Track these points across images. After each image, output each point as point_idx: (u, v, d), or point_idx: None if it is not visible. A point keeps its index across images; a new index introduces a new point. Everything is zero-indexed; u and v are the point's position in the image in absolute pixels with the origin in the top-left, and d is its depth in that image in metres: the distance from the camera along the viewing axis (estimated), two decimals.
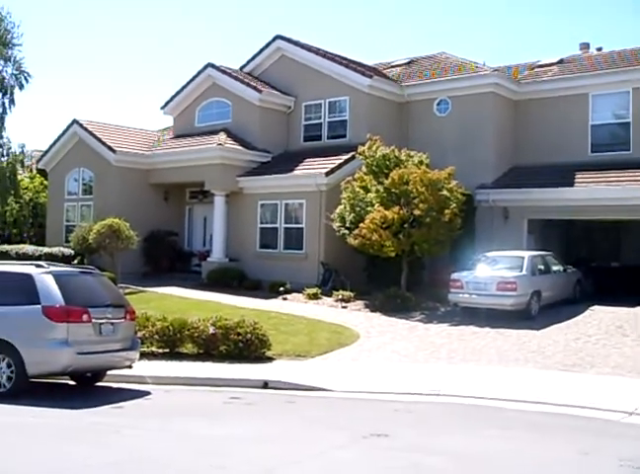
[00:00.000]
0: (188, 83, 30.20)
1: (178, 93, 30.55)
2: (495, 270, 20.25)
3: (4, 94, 29.22)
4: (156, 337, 15.81)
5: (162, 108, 31.25)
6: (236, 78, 28.98)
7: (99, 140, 29.59)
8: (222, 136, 27.70)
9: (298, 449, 8.36)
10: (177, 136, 30.71)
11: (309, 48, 28.78)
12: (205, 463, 7.64)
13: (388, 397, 11.84)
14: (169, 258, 29.25)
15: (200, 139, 28.62)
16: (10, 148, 29.79)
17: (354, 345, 16.84)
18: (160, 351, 15.90)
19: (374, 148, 22.82)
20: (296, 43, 29.13)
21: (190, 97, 30.36)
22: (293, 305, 21.91)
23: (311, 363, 15.14)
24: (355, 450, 8.28)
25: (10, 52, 29.11)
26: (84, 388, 13.23)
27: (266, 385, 13.04)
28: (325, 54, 28.39)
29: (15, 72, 29.37)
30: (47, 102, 79.54)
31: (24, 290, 12.11)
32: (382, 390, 12.33)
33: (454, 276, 20.25)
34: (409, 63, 30.76)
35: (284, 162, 27.35)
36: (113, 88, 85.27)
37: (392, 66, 30.94)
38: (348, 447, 8.38)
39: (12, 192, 30.21)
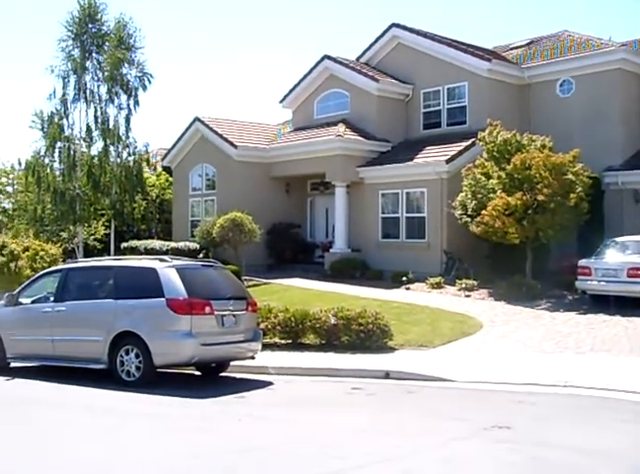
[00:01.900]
0: (305, 76, 30.44)
1: (296, 86, 30.84)
2: (626, 255, 19.40)
3: (129, 96, 30.26)
4: (279, 328, 16.02)
5: (281, 101, 31.63)
6: (353, 68, 28.98)
7: (220, 136, 30.25)
8: (341, 127, 27.75)
9: (418, 440, 8.26)
10: (296, 129, 31.01)
11: (425, 35, 28.42)
12: (325, 453, 7.65)
13: (512, 388, 11.52)
14: (292, 249, 29.58)
15: (320, 131, 28.78)
16: (136, 147, 30.85)
17: (477, 334, 16.53)
18: (283, 341, 16.10)
19: (495, 133, 22.30)
20: (412, 30, 28.82)
21: (307, 89, 30.59)
22: (416, 295, 21.74)
23: (434, 353, 14.96)
24: (476, 442, 8.09)
25: (133, 56, 30.11)
26: (209, 378, 13.55)
27: (387, 375, 12.96)
28: (442, 40, 27.96)
29: (138, 74, 30.36)
30: (170, 100, 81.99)
31: (149, 284, 12.51)
32: (506, 381, 12.02)
33: (582, 262, 19.54)
34: (529, 44, 29.89)
35: (404, 151, 27.16)
36: (232, 83, 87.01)
37: (512, 48, 30.17)
38: (469, 439, 8.20)
39: (139, 189, 31.27)
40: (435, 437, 8.34)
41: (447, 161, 24.34)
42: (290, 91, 31.11)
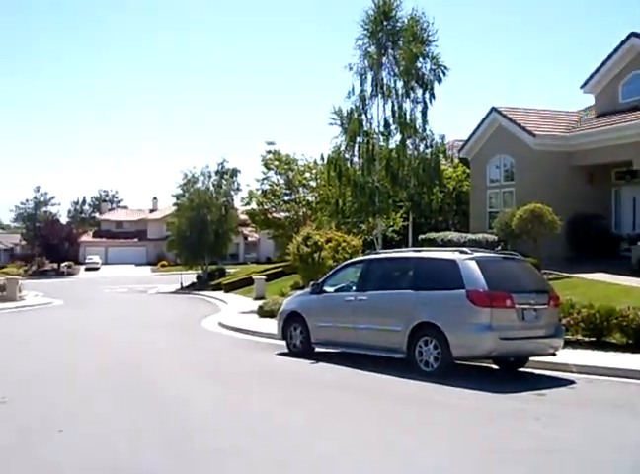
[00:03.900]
0: (609, 57, 28.67)
1: (598, 69, 29.18)
2: None
3: (424, 89, 30.50)
4: (581, 325, 15.23)
5: (582, 86, 30.15)
6: None
7: (518, 125, 29.51)
8: None
9: None
10: (599, 115, 29.37)
11: None
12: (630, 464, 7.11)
13: None
14: (594, 242, 28.05)
15: (626, 116, 27.00)
16: (432, 140, 31.04)
17: None
18: (585, 339, 15.27)
19: None
20: None
21: (611, 72, 28.81)
22: None
23: None
24: None
25: (427, 49, 30.32)
26: (506, 373, 13.24)
27: None
28: None
29: (433, 67, 30.52)
30: (466, 91, 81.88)
31: (449, 275, 12.53)
32: None
33: None
34: None
35: None
36: (529, 70, 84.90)
37: None
38: None
39: (436, 181, 31.47)
40: None
41: None
42: (592, 75, 29.52)
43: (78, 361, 15.09)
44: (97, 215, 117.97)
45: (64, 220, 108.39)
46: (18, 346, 18.57)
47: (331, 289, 15.16)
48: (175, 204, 60.26)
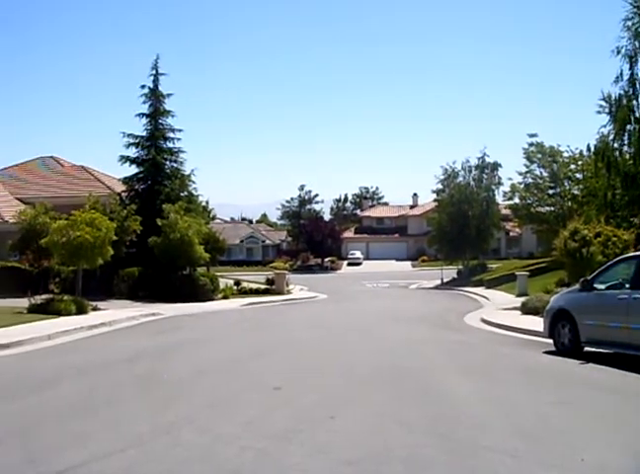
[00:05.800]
0: None
1: None
2: None
3: None
4: None
5: None
6: None
7: None
8: None
9: None
10: None
11: None
12: None
13: None
14: None
15: None
16: None
17: None
18: None
19: None
20: None
21: None
22: None
23: None
24: None
25: None
26: None
27: None
28: None
29: None
30: None
31: None
32: None
33: None
34: None
35: None
36: None
37: None
38: None
39: None
40: None
41: None
42: None
43: (345, 353, 15.63)
44: (358, 212, 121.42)
45: (327, 217, 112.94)
46: (290, 335, 19.52)
47: (602, 286, 14.40)
48: (435, 200, 60.45)
